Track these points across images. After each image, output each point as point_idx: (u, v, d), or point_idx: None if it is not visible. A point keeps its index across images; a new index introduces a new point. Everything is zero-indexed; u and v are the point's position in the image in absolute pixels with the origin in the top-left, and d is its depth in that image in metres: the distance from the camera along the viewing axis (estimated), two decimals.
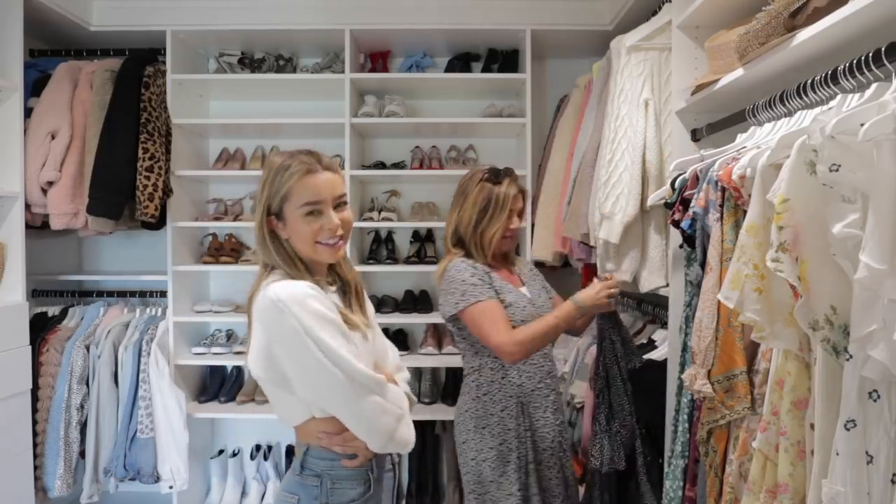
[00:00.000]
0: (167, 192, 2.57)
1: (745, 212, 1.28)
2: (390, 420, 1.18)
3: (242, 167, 3.03)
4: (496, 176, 1.82)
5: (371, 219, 2.87)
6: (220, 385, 2.97)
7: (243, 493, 3.01)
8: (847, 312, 0.99)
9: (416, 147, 3.10)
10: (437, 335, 2.96)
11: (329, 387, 1.13)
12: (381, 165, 3.01)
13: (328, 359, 1.11)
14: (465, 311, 1.71)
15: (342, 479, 1.23)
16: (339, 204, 1.25)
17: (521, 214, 1.87)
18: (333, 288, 1.33)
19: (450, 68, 2.97)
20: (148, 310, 2.79)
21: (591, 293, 1.72)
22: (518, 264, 1.96)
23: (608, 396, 1.79)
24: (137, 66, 2.53)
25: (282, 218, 1.23)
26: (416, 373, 2.95)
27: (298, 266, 1.23)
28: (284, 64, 2.91)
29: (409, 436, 1.22)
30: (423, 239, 3.06)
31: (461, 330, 1.79)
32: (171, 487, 2.60)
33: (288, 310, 1.12)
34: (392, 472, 1.38)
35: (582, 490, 2.07)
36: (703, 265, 1.50)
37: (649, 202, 1.96)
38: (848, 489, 0.98)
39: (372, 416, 1.16)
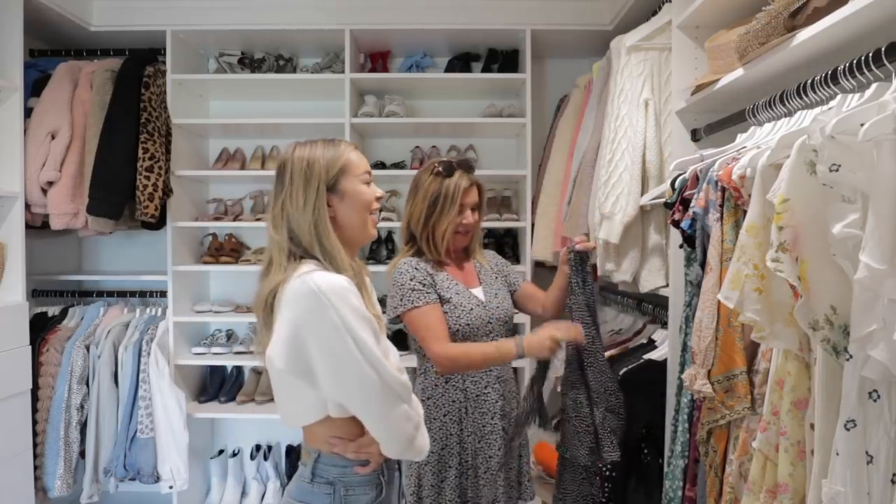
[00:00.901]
0: (167, 192, 2.57)
1: (745, 212, 1.28)
2: (411, 428, 1.16)
3: (242, 167, 3.03)
4: (448, 168, 1.72)
5: None
6: (220, 385, 2.97)
7: (243, 493, 3.01)
8: (847, 312, 0.99)
9: (416, 147, 3.10)
10: None
11: (361, 387, 1.11)
12: (381, 165, 3.01)
13: (365, 359, 1.09)
14: (403, 315, 1.68)
15: (355, 485, 1.21)
16: None
17: (476, 209, 1.78)
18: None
19: (450, 68, 2.98)
20: (148, 310, 2.79)
21: (536, 340, 1.58)
22: (480, 260, 1.85)
23: (585, 380, 1.70)
24: (137, 66, 2.53)
25: (338, 192, 1.23)
26: (416, 372, 2.95)
27: (343, 255, 1.21)
28: (284, 64, 2.91)
29: (425, 444, 1.21)
30: None
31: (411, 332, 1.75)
32: (171, 487, 2.60)
33: (329, 302, 1.09)
34: (398, 471, 1.36)
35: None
36: (703, 265, 1.50)
37: (642, 201, 1.96)
38: (848, 489, 0.98)
39: (398, 422, 1.14)
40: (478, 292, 1.77)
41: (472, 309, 1.71)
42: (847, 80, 1.18)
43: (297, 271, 1.15)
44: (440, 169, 1.73)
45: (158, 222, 2.57)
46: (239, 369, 3.05)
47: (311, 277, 1.11)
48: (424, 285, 1.68)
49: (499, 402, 1.72)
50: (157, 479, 2.60)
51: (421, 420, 1.20)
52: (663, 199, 1.80)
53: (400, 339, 2.96)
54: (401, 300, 1.68)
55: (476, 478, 1.68)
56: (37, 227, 2.53)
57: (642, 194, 1.98)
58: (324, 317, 1.09)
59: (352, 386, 1.11)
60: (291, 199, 1.20)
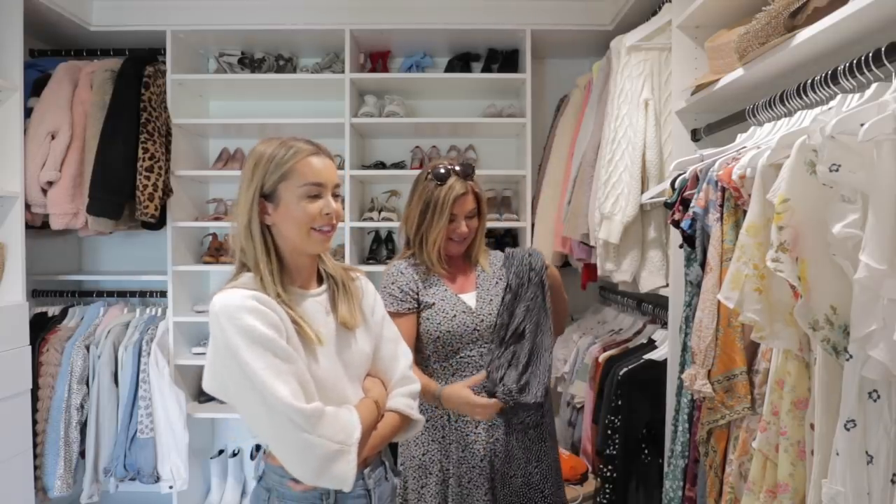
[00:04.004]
0: (167, 192, 2.57)
1: (745, 212, 1.28)
2: (314, 458, 1.06)
3: (242, 167, 3.02)
4: (443, 175, 1.63)
5: (371, 219, 2.87)
6: None
7: (243, 493, 3.01)
8: (847, 312, 0.99)
9: (416, 147, 3.10)
10: None
11: (250, 411, 1.07)
12: (381, 165, 3.01)
13: (250, 382, 1.03)
14: None
15: (288, 498, 1.16)
16: (335, 194, 1.19)
17: (474, 217, 1.67)
18: (322, 288, 1.25)
19: (450, 68, 2.98)
20: (148, 310, 2.79)
21: (455, 398, 1.53)
22: (483, 265, 1.73)
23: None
24: (137, 66, 2.54)
25: (274, 199, 1.14)
26: None
27: (272, 262, 1.15)
28: (284, 64, 2.91)
29: (344, 473, 1.08)
30: None
31: None
32: (171, 487, 2.60)
33: (219, 323, 1.06)
34: (387, 482, 1.29)
35: (579, 490, 2.07)
36: (703, 265, 1.50)
37: (642, 199, 1.96)
38: (848, 489, 0.98)
39: (294, 449, 1.06)
40: (468, 298, 1.67)
41: (455, 315, 1.63)
42: (847, 80, 1.18)
43: (231, 283, 1.14)
44: (434, 175, 1.65)
45: (158, 222, 2.57)
46: None
47: (215, 296, 1.10)
48: (403, 291, 1.63)
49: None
50: (157, 479, 2.60)
51: (344, 447, 1.09)
52: (663, 199, 1.80)
53: None
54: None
55: (459, 486, 1.63)
56: (37, 227, 2.53)
57: (642, 194, 1.98)
58: (217, 338, 1.07)
59: (241, 408, 1.09)
60: (238, 198, 1.17)
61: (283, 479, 1.16)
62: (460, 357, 1.63)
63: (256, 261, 1.15)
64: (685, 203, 1.58)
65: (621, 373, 1.95)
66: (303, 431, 1.04)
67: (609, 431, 1.92)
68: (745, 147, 1.46)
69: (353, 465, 1.09)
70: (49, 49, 2.82)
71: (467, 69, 2.99)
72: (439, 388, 1.57)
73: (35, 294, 2.78)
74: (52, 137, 2.44)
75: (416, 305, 1.63)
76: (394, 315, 1.57)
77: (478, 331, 1.64)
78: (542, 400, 1.60)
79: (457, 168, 1.65)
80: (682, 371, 1.60)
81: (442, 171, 1.64)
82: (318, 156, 1.17)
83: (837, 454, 0.99)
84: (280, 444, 1.07)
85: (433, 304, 1.64)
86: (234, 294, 1.09)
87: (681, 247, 1.68)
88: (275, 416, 1.04)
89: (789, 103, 1.37)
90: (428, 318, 1.63)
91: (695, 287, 1.56)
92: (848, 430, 0.98)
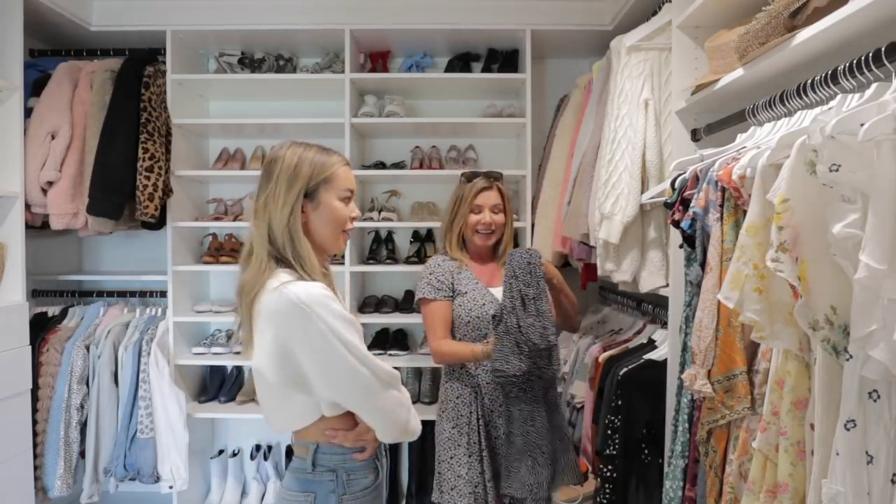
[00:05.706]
0: (167, 192, 2.57)
1: (745, 212, 1.28)
2: (404, 412, 1.25)
3: (242, 167, 3.03)
4: (471, 175, 1.97)
5: (371, 219, 2.87)
6: (220, 385, 2.97)
7: (243, 493, 3.01)
8: (847, 312, 0.99)
9: (416, 147, 3.10)
10: None
11: (354, 385, 1.18)
12: (381, 165, 3.01)
13: (357, 359, 1.16)
14: (419, 301, 1.94)
15: (355, 469, 1.28)
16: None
17: (501, 213, 1.95)
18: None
19: (450, 68, 2.97)
20: (148, 310, 2.79)
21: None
22: None
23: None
24: (137, 66, 2.53)
25: (314, 200, 1.26)
26: (417, 372, 2.96)
27: (313, 259, 1.25)
28: (284, 64, 2.91)
29: (418, 426, 1.30)
30: (422, 239, 3.06)
31: None
32: (171, 487, 2.60)
33: (313, 312, 1.14)
34: (386, 458, 1.44)
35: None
36: (703, 265, 1.50)
37: (642, 199, 1.96)
38: (848, 489, 0.98)
39: (391, 410, 1.22)
40: (496, 291, 1.92)
41: (483, 304, 1.90)
42: (847, 80, 1.18)
43: (276, 279, 1.18)
44: (464, 176, 1.98)
45: (158, 222, 2.57)
46: (239, 369, 3.05)
47: (289, 290, 1.15)
48: (441, 281, 1.91)
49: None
50: (157, 479, 2.60)
51: (410, 403, 1.29)
52: (663, 199, 1.80)
53: (400, 340, 2.97)
54: (421, 289, 1.93)
55: (489, 459, 1.84)
56: (37, 227, 2.53)
57: (642, 194, 1.98)
58: (310, 327, 1.13)
59: (346, 386, 1.18)
60: (274, 197, 1.23)
61: (345, 455, 1.27)
62: (486, 341, 1.85)
63: (301, 256, 1.23)
64: (685, 203, 1.58)
65: (621, 373, 1.95)
66: (396, 390, 1.24)
67: (609, 431, 1.91)
68: (745, 147, 1.46)
69: (419, 419, 1.30)
70: (49, 49, 2.82)
71: (467, 69, 2.99)
72: (481, 345, 1.83)
73: (35, 294, 2.78)
74: (52, 137, 2.43)
75: (450, 294, 1.92)
76: (430, 301, 1.92)
77: None
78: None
79: (487, 173, 1.98)
80: (682, 371, 1.60)
81: (472, 173, 1.99)
82: (348, 166, 1.32)
83: (837, 454, 0.99)
84: (379, 407, 1.21)
85: (466, 292, 1.92)
86: (311, 285, 1.18)
87: (681, 247, 1.67)
88: (376, 383, 1.19)
89: (789, 103, 1.37)
90: (461, 305, 1.91)
91: (695, 287, 1.56)
92: (848, 430, 0.98)
